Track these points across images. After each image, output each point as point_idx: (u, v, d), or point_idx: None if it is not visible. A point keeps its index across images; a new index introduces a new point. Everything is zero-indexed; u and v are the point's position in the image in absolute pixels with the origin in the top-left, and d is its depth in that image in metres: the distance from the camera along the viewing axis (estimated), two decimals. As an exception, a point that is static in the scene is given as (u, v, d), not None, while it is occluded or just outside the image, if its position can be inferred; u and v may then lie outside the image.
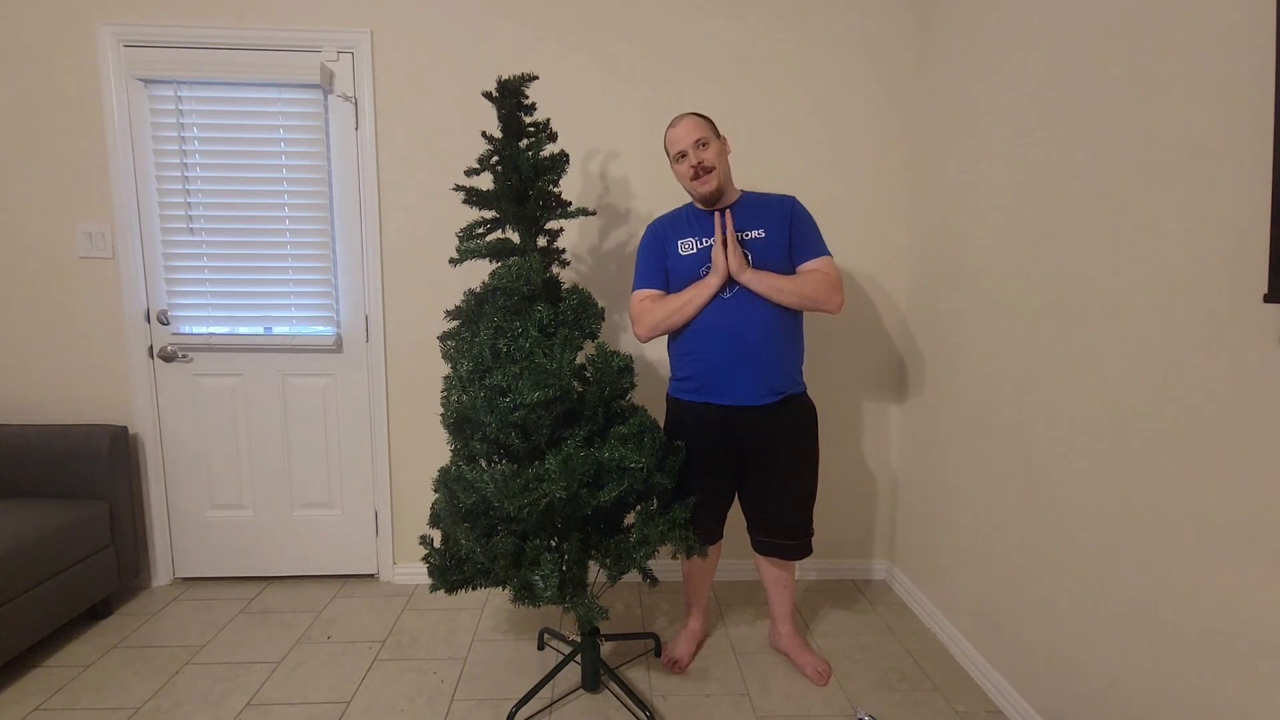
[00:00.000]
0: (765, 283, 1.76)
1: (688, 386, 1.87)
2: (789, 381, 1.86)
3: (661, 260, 1.88)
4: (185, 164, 2.34)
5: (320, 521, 2.56)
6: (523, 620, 2.30)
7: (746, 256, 1.79)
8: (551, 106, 2.34)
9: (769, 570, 2.02)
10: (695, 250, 1.82)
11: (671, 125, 1.85)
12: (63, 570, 2.07)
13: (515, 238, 1.84)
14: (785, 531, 1.92)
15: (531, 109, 1.80)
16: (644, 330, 1.85)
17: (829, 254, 1.85)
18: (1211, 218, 1.21)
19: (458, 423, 1.69)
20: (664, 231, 1.90)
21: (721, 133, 1.88)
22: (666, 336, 1.92)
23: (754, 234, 1.81)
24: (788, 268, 1.83)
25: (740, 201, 1.87)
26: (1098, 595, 1.49)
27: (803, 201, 1.91)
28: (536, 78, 1.76)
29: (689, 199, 1.94)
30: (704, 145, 1.80)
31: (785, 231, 1.83)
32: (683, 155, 1.81)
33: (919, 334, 2.37)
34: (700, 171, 1.79)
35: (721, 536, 1.97)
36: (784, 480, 1.89)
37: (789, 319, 1.83)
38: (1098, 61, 1.48)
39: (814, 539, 1.97)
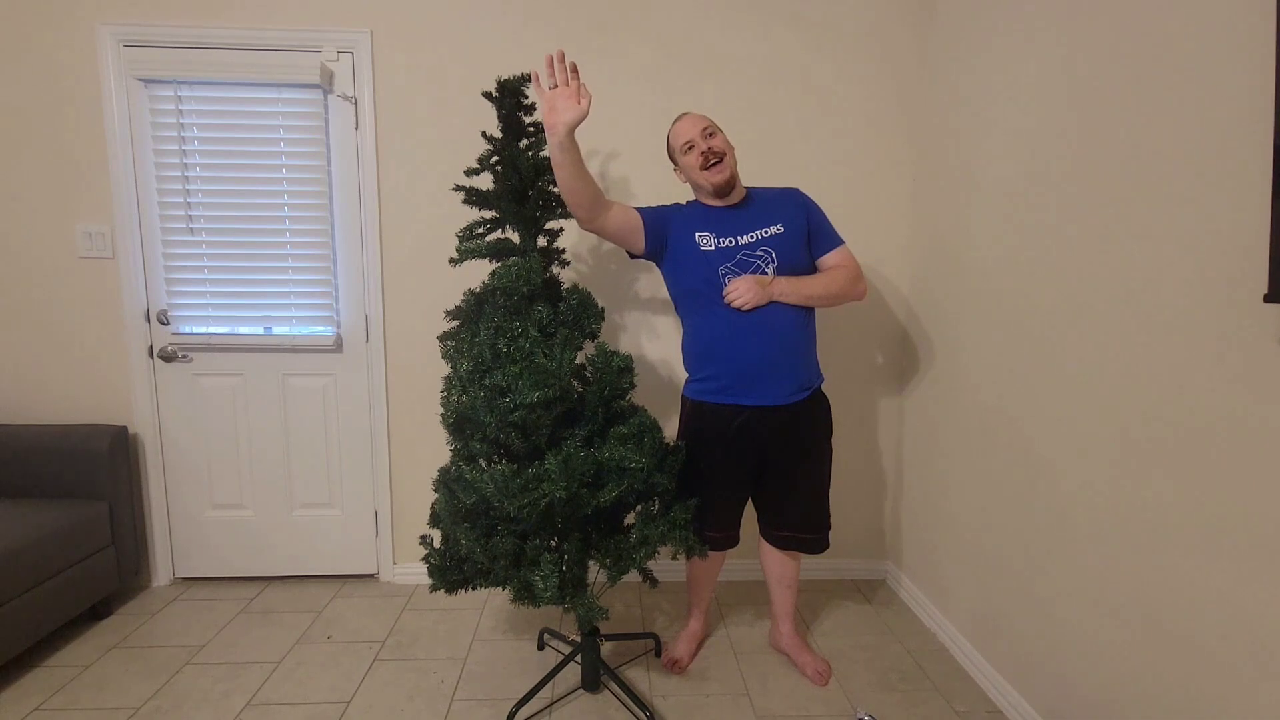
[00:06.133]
0: (799, 294, 1.76)
1: (711, 387, 1.83)
2: (815, 375, 1.88)
3: (667, 222, 1.82)
4: (185, 164, 2.34)
5: (320, 521, 2.56)
6: (523, 620, 2.30)
7: (765, 271, 1.77)
8: (551, 106, 2.34)
9: (775, 568, 2.02)
10: (714, 248, 1.78)
11: (675, 122, 1.86)
12: (63, 570, 2.07)
13: (515, 238, 1.84)
14: (808, 525, 1.92)
15: (531, 109, 1.80)
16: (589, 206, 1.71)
17: (843, 242, 1.87)
18: (1212, 217, 1.21)
19: (458, 423, 1.69)
20: (681, 215, 1.84)
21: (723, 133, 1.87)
22: (683, 336, 1.91)
23: (774, 229, 1.80)
24: (807, 258, 1.84)
25: (752, 198, 1.86)
26: (1098, 595, 1.49)
27: (805, 195, 1.92)
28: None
29: (692, 199, 1.93)
30: (711, 134, 1.80)
31: (803, 224, 1.84)
32: (690, 146, 1.80)
33: (920, 333, 2.37)
34: (711, 157, 1.77)
35: (739, 541, 1.95)
36: (807, 473, 1.89)
37: (811, 313, 1.85)
38: (1099, 59, 1.48)
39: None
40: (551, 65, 1.58)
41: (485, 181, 2.24)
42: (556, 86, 1.58)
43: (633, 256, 1.88)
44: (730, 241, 1.78)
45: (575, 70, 1.58)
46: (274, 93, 2.32)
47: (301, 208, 2.38)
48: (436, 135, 2.38)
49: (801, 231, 1.83)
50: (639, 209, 1.81)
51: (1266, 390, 1.11)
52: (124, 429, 2.36)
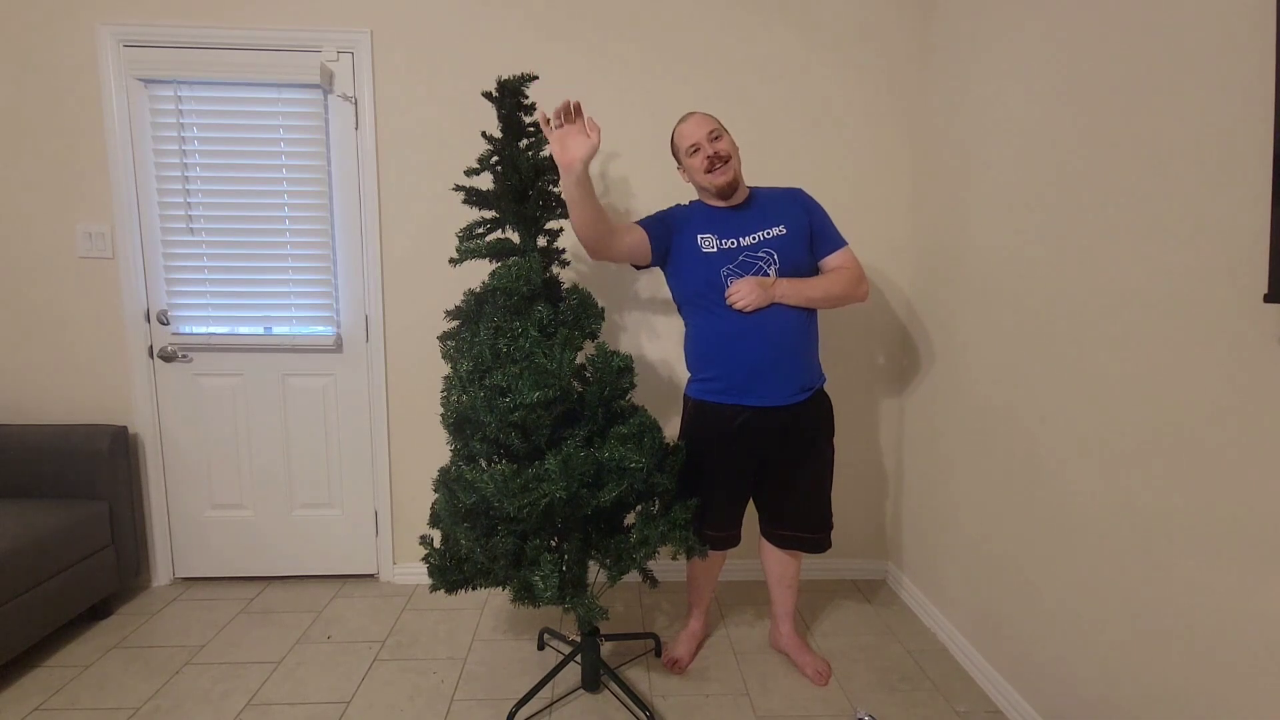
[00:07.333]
0: (800, 295, 1.77)
1: (714, 388, 1.83)
2: (816, 375, 1.88)
3: (670, 228, 1.82)
4: (185, 164, 2.34)
5: (320, 521, 2.56)
6: (523, 620, 2.30)
7: (767, 272, 1.78)
8: (551, 106, 2.33)
9: (775, 568, 2.02)
10: (717, 249, 1.79)
11: (681, 122, 1.85)
12: (63, 570, 2.07)
13: (515, 238, 1.84)
14: (810, 525, 1.93)
15: (531, 109, 1.80)
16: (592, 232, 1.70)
17: (846, 243, 1.87)
18: (1212, 217, 1.21)
19: (458, 423, 1.69)
20: (685, 216, 1.85)
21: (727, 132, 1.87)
22: (686, 336, 1.91)
23: (776, 231, 1.80)
24: (809, 259, 1.84)
25: (755, 199, 1.86)
26: (1098, 596, 1.49)
27: (808, 195, 1.92)
28: (536, 77, 1.76)
29: (694, 199, 1.92)
30: (717, 137, 1.80)
31: (806, 225, 1.84)
32: (695, 149, 1.79)
33: (920, 333, 2.37)
34: (716, 162, 1.77)
35: (740, 540, 1.95)
36: (809, 473, 1.89)
37: (813, 314, 1.85)
38: (1099, 59, 1.48)
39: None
40: (559, 115, 1.59)
41: (485, 181, 2.24)
42: (563, 126, 1.59)
43: (638, 268, 1.88)
44: (732, 243, 1.78)
45: (580, 109, 1.59)
46: (274, 93, 2.32)
47: (301, 208, 2.38)
48: (436, 135, 2.38)
49: (804, 233, 1.83)
50: (641, 223, 1.82)
51: (1266, 390, 1.11)
52: (124, 429, 2.36)
